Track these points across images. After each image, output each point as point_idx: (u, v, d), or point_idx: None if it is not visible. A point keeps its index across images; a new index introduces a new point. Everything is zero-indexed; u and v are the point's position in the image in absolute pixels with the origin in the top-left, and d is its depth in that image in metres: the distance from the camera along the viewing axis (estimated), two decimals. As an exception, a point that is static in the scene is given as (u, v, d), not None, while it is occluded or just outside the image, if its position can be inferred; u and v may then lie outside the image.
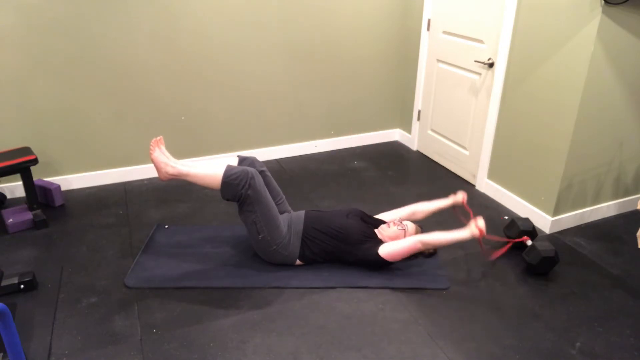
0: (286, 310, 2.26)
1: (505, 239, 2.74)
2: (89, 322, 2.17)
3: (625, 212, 3.18)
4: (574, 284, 2.48)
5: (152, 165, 3.53)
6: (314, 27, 3.67)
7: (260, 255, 2.57)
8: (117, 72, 3.23)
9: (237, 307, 2.28)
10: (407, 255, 2.46)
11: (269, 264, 2.57)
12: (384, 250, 2.45)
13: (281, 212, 2.63)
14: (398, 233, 2.56)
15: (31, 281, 2.34)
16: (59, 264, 2.58)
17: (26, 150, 2.92)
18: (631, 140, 2.93)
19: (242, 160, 2.62)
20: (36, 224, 2.88)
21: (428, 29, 3.76)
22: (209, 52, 3.43)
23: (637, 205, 3.21)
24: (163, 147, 2.42)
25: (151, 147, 2.40)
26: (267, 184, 2.62)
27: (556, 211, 2.91)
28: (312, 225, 2.53)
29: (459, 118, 3.57)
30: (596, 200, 3.03)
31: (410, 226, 2.59)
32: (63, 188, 3.37)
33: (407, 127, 4.24)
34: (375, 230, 2.61)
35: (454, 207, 2.78)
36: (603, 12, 2.44)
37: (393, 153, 4.10)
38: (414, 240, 2.42)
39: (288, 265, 2.55)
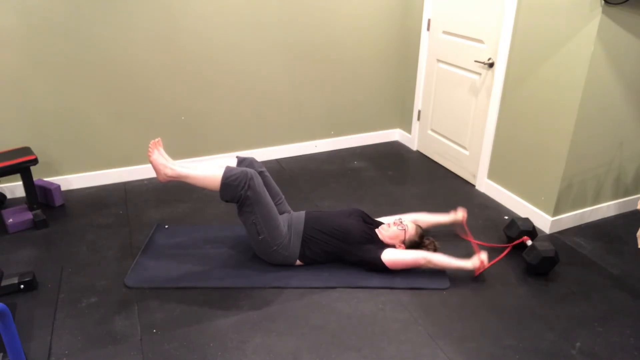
0: (286, 310, 2.26)
1: (503, 245, 2.74)
2: (89, 322, 2.17)
3: (625, 212, 3.18)
4: (574, 284, 2.48)
5: (152, 165, 3.53)
6: (314, 27, 3.67)
7: (260, 256, 2.56)
8: (117, 72, 3.23)
9: (237, 307, 2.28)
10: (408, 268, 2.50)
11: (269, 264, 2.56)
12: (387, 257, 2.46)
13: (281, 213, 2.63)
14: (398, 233, 2.56)
15: (31, 281, 2.35)
16: (59, 264, 2.58)
17: (26, 150, 2.92)
18: (631, 140, 2.93)
19: (241, 161, 2.62)
20: (36, 224, 2.88)
21: (428, 29, 3.76)
22: (209, 52, 3.43)
23: (637, 205, 3.21)
24: (161, 149, 2.42)
25: (149, 150, 2.39)
26: (266, 185, 2.62)
27: (556, 211, 2.91)
28: (312, 226, 2.53)
29: (459, 118, 3.57)
30: (596, 200, 3.03)
31: (411, 227, 2.59)
32: (63, 188, 3.37)
33: (407, 127, 4.23)
34: (376, 230, 2.61)
35: (453, 224, 2.86)
36: (603, 12, 2.44)
37: (393, 153, 4.10)
38: (420, 256, 2.45)
39: (288, 265, 2.55)
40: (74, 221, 2.99)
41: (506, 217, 3.11)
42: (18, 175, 3.20)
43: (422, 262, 2.45)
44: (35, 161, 2.83)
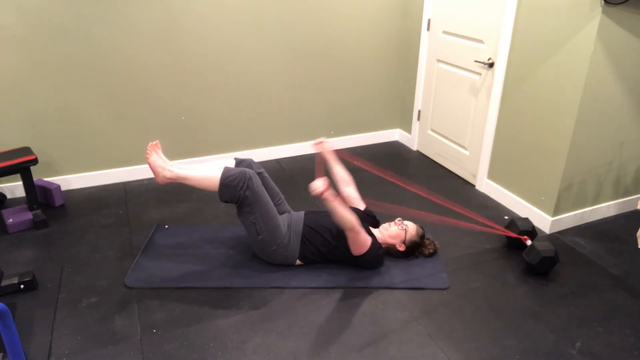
0: (286, 310, 2.26)
1: (503, 230, 2.75)
2: (89, 322, 2.17)
3: (625, 212, 3.18)
4: (574, 284, 2.48)
5: (152, 165, 3.53)
6: (314, 27, 3.67)
7: (260, 256, 2.56)
8: (117, 72, 3.23)
9: (237, 307, 2.28)
10: (350, 224, 2.31)
11: (268, 264, 2.56)
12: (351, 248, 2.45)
13: (281, 213, 2.63)
14: (399, 233, 2.56)
15: (31, 281, 2.34)
16: (59, 264, 2.58)
17: (26, 150, 2.92)
18: (631, 140, 2.93)
19: (239, 163, 2.62)
20: (36, 224, 2.88)
21: (428, 29, 3.76)
22: (209, 52, 3.43)
23: (637, 205, 3.21)
24: (160, 151, 2.42)
25: (147, 152, 2.37)
26: (265, 185, 2.62)
27: (556, 211, 2.91)
28: (311, 226, 2.53)
29: (459, 118, 3.57)
30: (596, 200, 3.03)
31: (411, 226, 2.60)
32: (63, 188, 3.37)
33: (407, 127, 4.23)
34: (376, 230, 2.61)
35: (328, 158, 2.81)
36: (603, 12, 2.44)
37: (393, 153, 4.10)
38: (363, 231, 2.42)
39: (288, 265, 2.55)
40: (74, 221, 2.99)
41: (506, 217, 3.10)
42: (18, 175, 3.19)
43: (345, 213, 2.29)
44: (35, 161, 2.83)
